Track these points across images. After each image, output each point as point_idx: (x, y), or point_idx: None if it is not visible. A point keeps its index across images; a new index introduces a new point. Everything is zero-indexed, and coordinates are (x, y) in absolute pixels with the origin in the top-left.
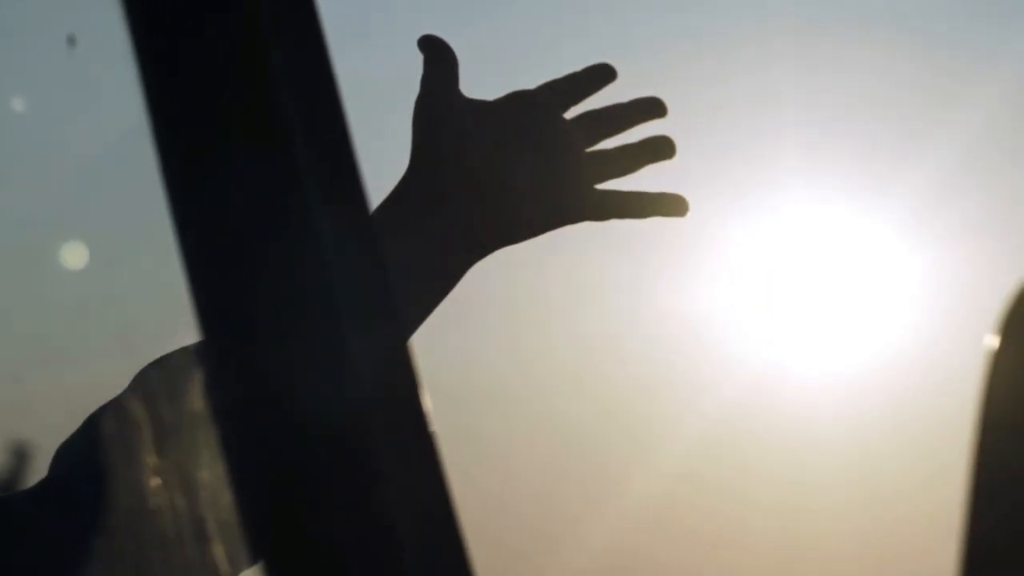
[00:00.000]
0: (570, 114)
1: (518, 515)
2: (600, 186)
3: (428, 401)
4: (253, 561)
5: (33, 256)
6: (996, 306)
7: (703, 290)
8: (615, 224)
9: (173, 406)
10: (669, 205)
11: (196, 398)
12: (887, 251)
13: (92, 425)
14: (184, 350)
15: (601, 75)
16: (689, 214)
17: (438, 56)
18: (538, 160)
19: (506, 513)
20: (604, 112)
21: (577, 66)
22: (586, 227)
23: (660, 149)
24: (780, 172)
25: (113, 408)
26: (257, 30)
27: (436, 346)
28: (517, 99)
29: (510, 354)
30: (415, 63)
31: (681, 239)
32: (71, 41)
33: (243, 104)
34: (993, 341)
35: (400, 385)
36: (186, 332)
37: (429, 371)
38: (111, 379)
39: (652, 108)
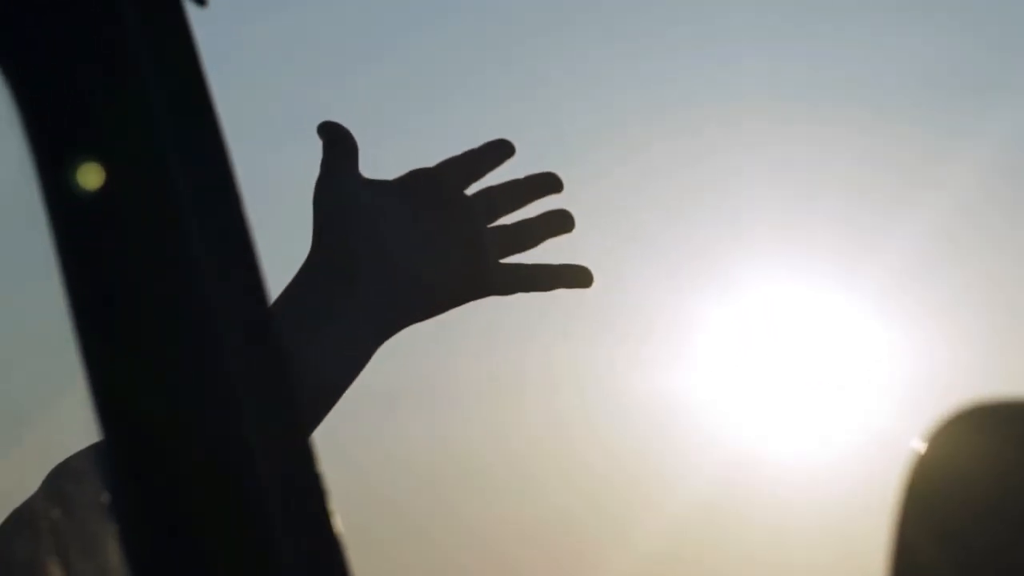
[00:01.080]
0: (470, 191)
1: None
2: (503, 260)
3: (331, 498)
4: None
5: None
6: (970, 386)
7: (680, 371)
8: (594, 306)
9: (81, 512)
10: (573, 277)
11: (101, 503)
12: (861, 330)
13: (2, 537)
14: (86, 451)
15: (500, 151)
16: (667, 295)
17: (337, 140)
18: (439, 237)
19: None
20: (503, 188)
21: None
22: (565, 310)
23: (559, 223)
24: (755, 252)
25: (21, 517)
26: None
27: (416, 428)
28: (417, 176)
29: (489, 436)
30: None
31: (659, 320)
32: None
33: (140, 196)
34: (920, 448)
35: (303, 481)
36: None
37: (409, 452)
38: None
39: (549, 183)
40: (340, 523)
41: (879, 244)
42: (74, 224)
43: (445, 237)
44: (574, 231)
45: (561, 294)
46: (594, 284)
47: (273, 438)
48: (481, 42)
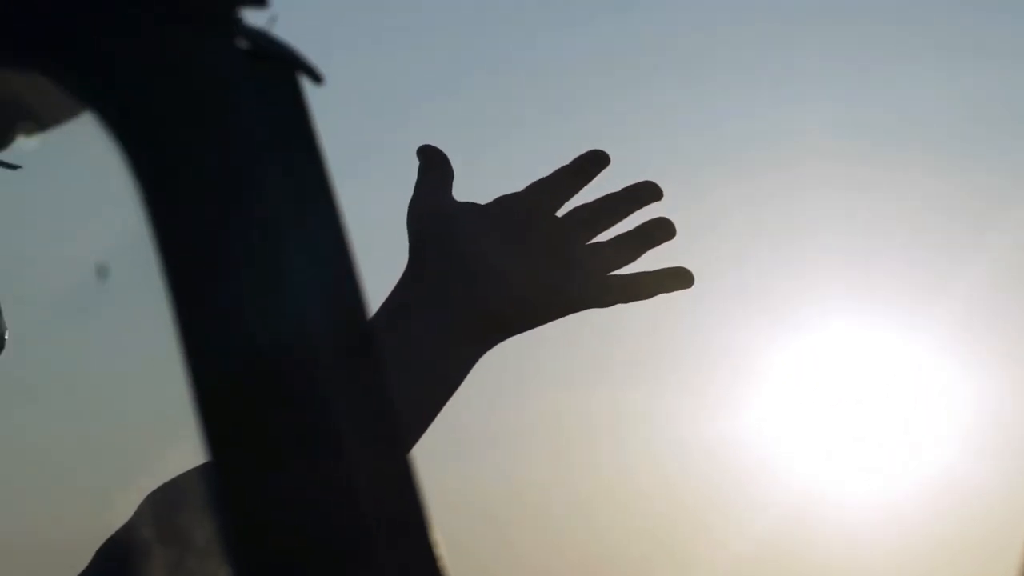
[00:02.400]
0: (567, 206)
1: None
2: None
3: (433, 524)
4: None
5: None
6: None
7: (746, 413)
8: (660, 349)
9: (183, 532)
10: (672, 280)
11: (204, 522)
12: (926, 370)
13: (104, 558)
14: (188, 473)
15: (592, 163)
16: (732, 336)
17: (433, 163)
18: (530, 255)
19: None
20: (597, 205)
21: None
22: (631, 353)
23: (660, 232)
24: (819, 294)
25: (123, 538)
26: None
27: (484, 468)
28: (506, 201)
29: (556, 477)
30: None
31: (724, 363)
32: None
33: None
34: None
35: (404, 506)
36: (186, 454)
37: (473, 494)
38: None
39: (648, 192)
40: (444, 555)
41: (944, 285)
42: (182, 255)
43: (536, 257)
44: (694, 278)
45: (629, 336)
46: (660, 326)
47: (376, 465)
48: (550, 84)
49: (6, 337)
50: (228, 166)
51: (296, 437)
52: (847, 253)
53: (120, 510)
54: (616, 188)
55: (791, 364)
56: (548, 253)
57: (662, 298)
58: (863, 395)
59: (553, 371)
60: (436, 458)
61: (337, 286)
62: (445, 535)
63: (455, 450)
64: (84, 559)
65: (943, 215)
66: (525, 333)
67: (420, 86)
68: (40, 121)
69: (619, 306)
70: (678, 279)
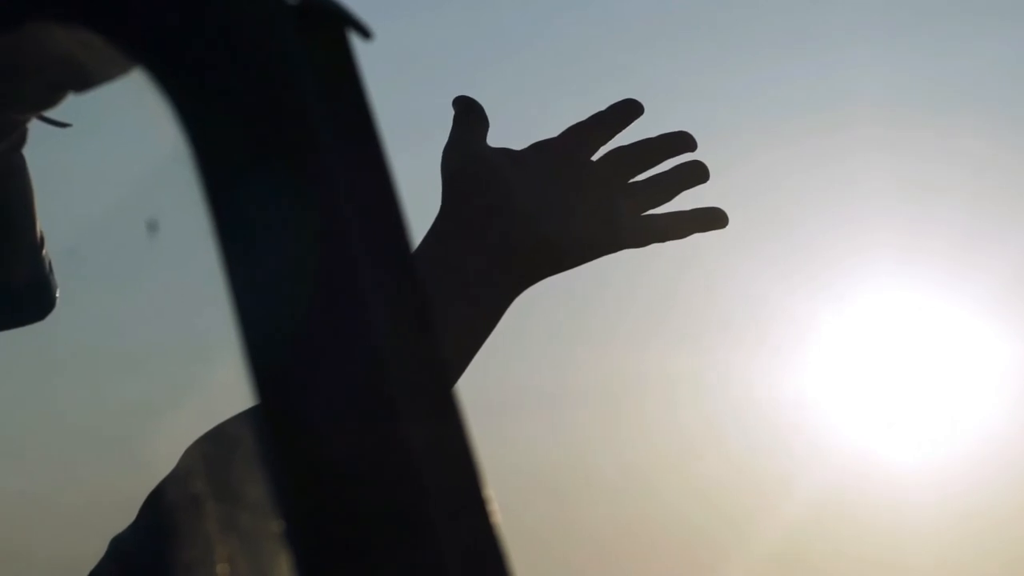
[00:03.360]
0: (600, 152)
1: None
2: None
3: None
4: None
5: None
6: None
7: (797, 375)
8: (711, 312)
9: (233, 484)
10: (708, 220)
11: (254, 473)
12: (977, 337)
13: (151, 509)
14: (236, 419)
15: (627, 111)
16: (783, 299)
17: (468, 111)
18: (565, 197)
19: None
20: (632, 148)
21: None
22: (683, 316)
23: (694, 174)
24: (870, 257)
25: (169, 489)
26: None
27: (536, 432)
28: (540, 147)
29: (609, 439)
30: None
31: (775, 326)
32: (152, 227)
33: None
34: None
35: (460, 469)
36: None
37: (529, 456)
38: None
39: (682, 141)
40: (499, 516)
41: (994, 249)
42: (235, 216)
43: (571, 199)
44: (728, 219)
45: (681, 300)
46: (711, 289)
47: (432, 426)
48: (595, 48)
49: (57, 295)
50: (278, 121)
51: (350, 396)
52: (897, 217)
53: (166, 461)
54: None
55: (841, 328)
56: (583, 194)
57: (714, 263)
58: (911, 359)
59: (605, 334)
60: (489, 423)
61: (387, 242)
62: (498, 500)
63: (507, 415)
64: (132, 512)
65: (992, 179)
66: (577, 296)
67: (467, 46)
68: (90, 78)
69: (672, 269)
70: (713, 218)
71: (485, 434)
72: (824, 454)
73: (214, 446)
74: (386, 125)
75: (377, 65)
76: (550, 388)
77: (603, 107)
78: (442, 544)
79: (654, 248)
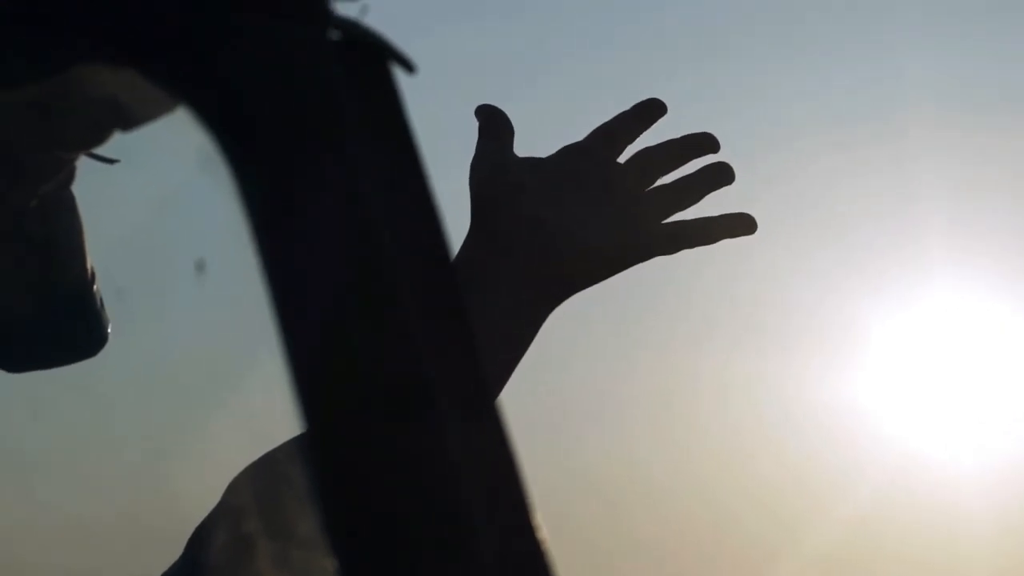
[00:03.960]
0: (626, 153)
1: None
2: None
3: (528, 482)
4: None
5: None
6: None
7: (851, 379)
8: (766, 316)
9: (281, 515)
10: (736, 225)
11: (303, 503)
12: None
13: (199, 543)
14: (283, 448)
15: (650, 111)
16: (838, 302)
17: (493, 121)
18: (595, 205)
19: None
20: (657, 149)
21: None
22: (737, 319)
23: (719, 176)
24: (924, 262)
25: (216, 524)
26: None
27: (592, 437)
28: (568, 152)
29: (663, 444)
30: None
31: (829, 330)
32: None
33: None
34: None
35: (503, 480)
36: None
37: (585, 461)
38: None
39: (706, 142)
40: (545, 530)
41: None
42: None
43: (601, 206)
44: (757, 224)
45: (735, 303)
46: (766, 294)
47: (475, 439)
48: (648, 57)
49: (109, 330)
50: (323, 157)
51: (392, 412)
52: (952, 221)
53: (213, 495)
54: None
55: (896, 332)
56: (612, 202)
57: (768, 266)
58: (967, 362)
59: (660, 339)
60: (543, 430)
61: (430, 269)
62: (554, 508)
63: (561, 422)
64: (182, 542)
65: None
66: (632, 300)
67: (511, 73)
68: (135, 117)
69: (727, 274)
70: (742, 224)
71: (539, 439)
72: (879, 458)
73: (262, 478)
74: (433, 150)
75: (426, 88)
76: (604, 393)
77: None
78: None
79: (709, 252)
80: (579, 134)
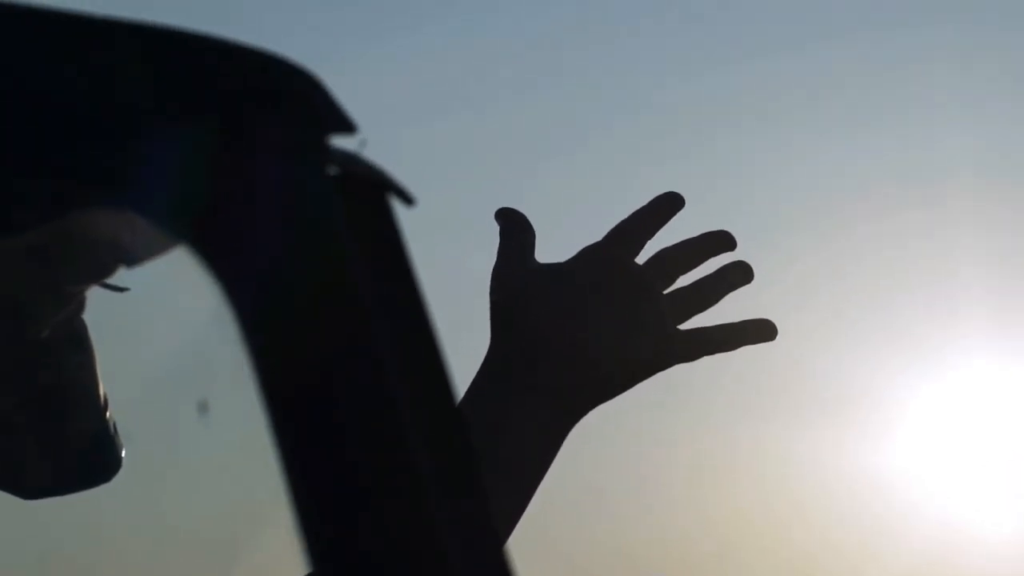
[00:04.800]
0: (646, 252)
1: None
2: (683, 326)
3: None
4: None
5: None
6: None
7: (887, 449)
8: (801, 387)
9: None
10: (757, 332)
11: None
12: None
13: None
14: None
15: (668, 205)
16: (875, 372)
17: (514, 226)
18: (616, 313)
19: None
20: (676, 250)
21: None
22: (773, 390)
23: (738, 276)
24: (960, 332)
25: None
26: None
27: (628, 514)
28: (588, 255)
29: (698, 517)
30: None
31: (864, 400)
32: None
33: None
34: None
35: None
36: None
37: (620, 536)
38: None
39: (722, 241)
40: None
41: None
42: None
43: (623, 312)
44: (777, 330)
45: (770, 376)
46: (797, 362)
47: (471, 550)
48: (681, 120)
49: (123, 454)
50: (323, 292)
51: (392, 518)
52: (990, 292)
53: None
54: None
55: (933, 401)
56: (633, 309)
57: (807, 337)
58: (1004, 433)
59: (693, 411)
60: (578, 506)
61: (435, 411)
62: None
63: (597, 497)
64: None
65: None
66: (664, 372)
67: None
68: (139, 255)
69: (762, 344)
70: (762, 331)
71: (575, 515)
72: (916, 529)
73: None
74: (433, 281)
75: (426, 219)
76: (640, 468)
77: (693, 182)
78: None
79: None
80: (604, 213)
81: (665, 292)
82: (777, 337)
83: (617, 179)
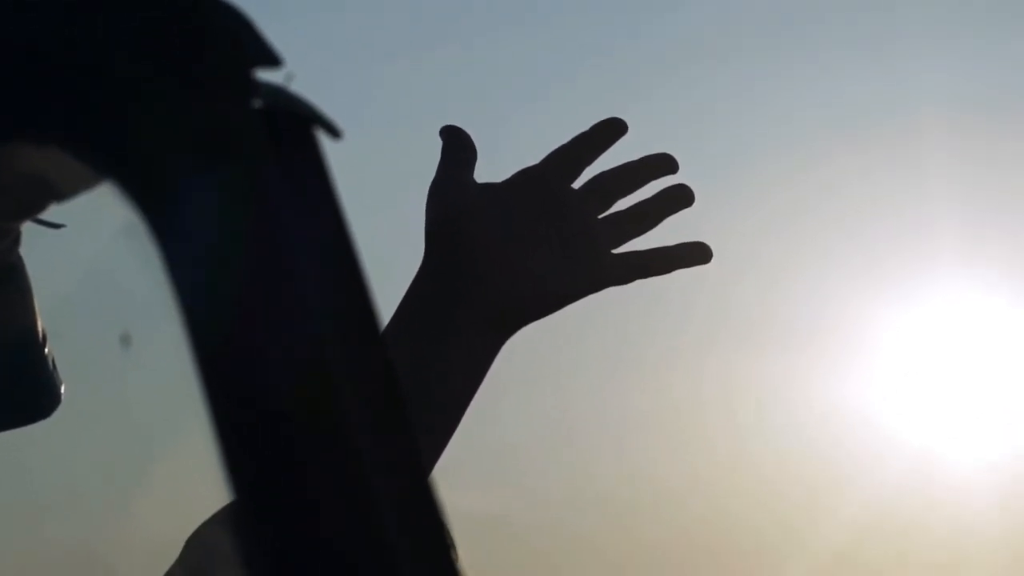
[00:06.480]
0: (585, 175)
1: None
2: (620, 248)
3: (452, 529)
4: None
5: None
6: None
7: (858, 381)
8: (773, 319)
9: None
10: (691, 255)
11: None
12: None
13: None
14: (212, 521)
15: (609, 131)
16: (845, 306)
17: (457, 144)
18: (549, 235)
19: None
20: (614, 173)
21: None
22: (744, 323)
23: (678, 199)
24: (933, 263)
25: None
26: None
27: (598, 449)
28: (524, 177)
29: (671, 450)
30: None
31: (837, 332)
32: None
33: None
34: None
35: (423, 513)
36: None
37: (593, 476)
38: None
39: (664, 164)
40: (462, 560)
41: None
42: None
43: (556, 234)
44: (712, 253)
45: (741, 308)
46: (773, 296)
47: (394, 477)
48: (661, 58)
49: (62, 391)
50: (248, 226)
51: (318, 481)
52: (962, 223)
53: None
54: (707, 187)
55: (905, 332)
56: (566, 231)
57: (779, 269)
58: (976, 362)
59: (662, 345)
60: (550, 443)
61: (360, 340)
62: (564, 519)
63: (567, 434)
64: None
65: None
66: (632, 307)
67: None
68: (67, 191)
69: (733, 276)
70: (696, 253)
71: (546, 451)
72: (887, 459)
73: (202, 539)
74: (360, 215)
75: (353, 153)
76: (610, 402)
77: (676, 118)
78: None
79: (715, 256)
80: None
81: (602, 216)
82: (712, 260)
83: (583, 119)
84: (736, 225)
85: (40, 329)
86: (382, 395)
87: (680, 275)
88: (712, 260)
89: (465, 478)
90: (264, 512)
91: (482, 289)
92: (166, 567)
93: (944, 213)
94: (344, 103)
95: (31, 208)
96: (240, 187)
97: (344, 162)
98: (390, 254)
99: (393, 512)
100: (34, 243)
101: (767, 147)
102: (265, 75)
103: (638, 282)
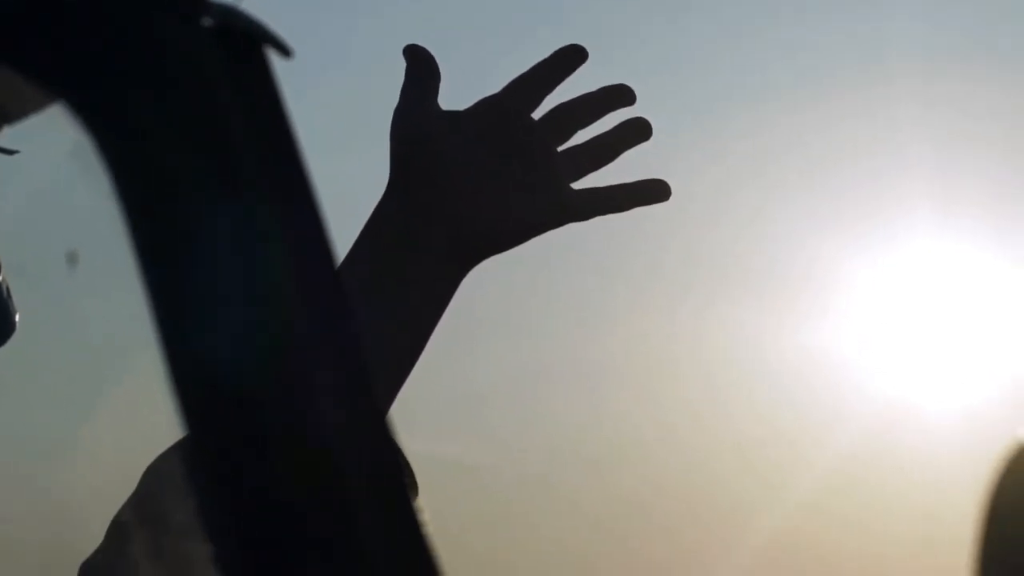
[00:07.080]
0: (545, 103)
1: (651, 553)
2: (580, 183)
3: (407, 461)
4: None
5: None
6: None
7: (829, 327)
8: (744, 265)
9: (167, 510)
10: (650, 192)
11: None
12: (1013, 287)
13: (108, 538)
14: (167, 454)
15: (570, 58)
16: (816, 251)
17: (420, 67)
18: (509, 166)
19: (640, 551)
20: (572, 105)
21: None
22: (716, 270)
23: (635, 132)
24: (904, 209)
25: (116, 532)
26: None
27: (569, 398)
28: (484, 106)
29: (642, 399)
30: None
31: (808, 277)
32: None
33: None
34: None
35: (381, 455)
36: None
37: (563, 424)
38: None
39: (621, 95)
40: (419, 499)
41: None
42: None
43: (517, 164)
44: (671, 191)
45: (711, 255)
46: (744, 245)
47: (350, 412)
48: (623, 7)
49: (16, 319)
50: (198, 145)
51: (272, 405)
52: (933, 170)
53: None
54: (685, 130)
55: (876, 280)
56: (525, 163)
57: (751, 216)
58: (947, 309)
59: (633, 293)
60: (521, 395)
61: (311, 264)
62: (537, 469)
63: (538, 384)
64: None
65: None
66: (602, 254)
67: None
68: (14, 112)
69: (705, 224)
70: (656, 190)
71: (517, 403)
72: (859, 406)
73: (158, 470)
74: (311, 136)
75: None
76: (580, 352)
77: (635, 62)
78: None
79: (684, 200)
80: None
81: (561, 148)
82: (671, 198)
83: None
84: (708, 172)
85: None
86: (336, 324)
87: (652, 222)
88: (670, 198)
89: (433, 425)
90: (215, 447)
91: (444, 210)
92: (122, 500)
93: (916, 160)
94: (311, 31)
95: None
96: (190, 105)
97: (302, 88)
98: (361, 189)
99: (347, 443)
100: None
101: (737, 94)
102: None
103: (611, 228)
